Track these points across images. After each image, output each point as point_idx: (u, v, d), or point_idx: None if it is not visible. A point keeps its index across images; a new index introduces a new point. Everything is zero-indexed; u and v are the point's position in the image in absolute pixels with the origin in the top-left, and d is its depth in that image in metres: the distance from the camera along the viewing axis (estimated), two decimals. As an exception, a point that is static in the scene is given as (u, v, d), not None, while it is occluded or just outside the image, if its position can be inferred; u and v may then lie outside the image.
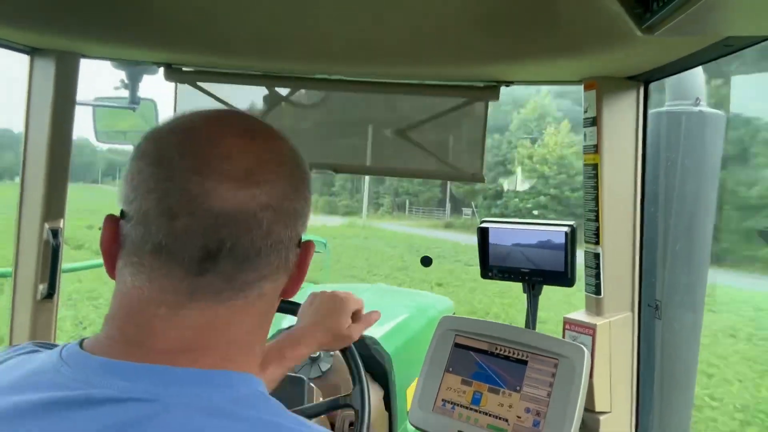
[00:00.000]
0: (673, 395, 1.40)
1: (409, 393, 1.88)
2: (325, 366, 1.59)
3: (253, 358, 0.59)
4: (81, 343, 0.57)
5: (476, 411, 1.21)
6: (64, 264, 1.39)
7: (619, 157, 1.25)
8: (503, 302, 8.80)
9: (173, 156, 0.53)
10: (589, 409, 1.24)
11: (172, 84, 1.42)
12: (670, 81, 1.31)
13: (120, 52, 1.33)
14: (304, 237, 0.61)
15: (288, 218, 0.57)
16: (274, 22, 1.03)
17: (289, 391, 1.41)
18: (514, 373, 1.20)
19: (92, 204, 20.86)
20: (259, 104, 1.42)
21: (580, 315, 1.30)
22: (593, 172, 1.26)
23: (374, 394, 1.69)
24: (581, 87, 1.27)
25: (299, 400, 1.41)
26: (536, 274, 1.30)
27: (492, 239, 1.33)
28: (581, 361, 1.13)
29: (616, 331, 1.27)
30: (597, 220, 1.27)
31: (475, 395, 1.22)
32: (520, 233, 1.30)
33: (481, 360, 1.25)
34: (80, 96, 1.36)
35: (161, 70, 1.40)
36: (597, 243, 1.27)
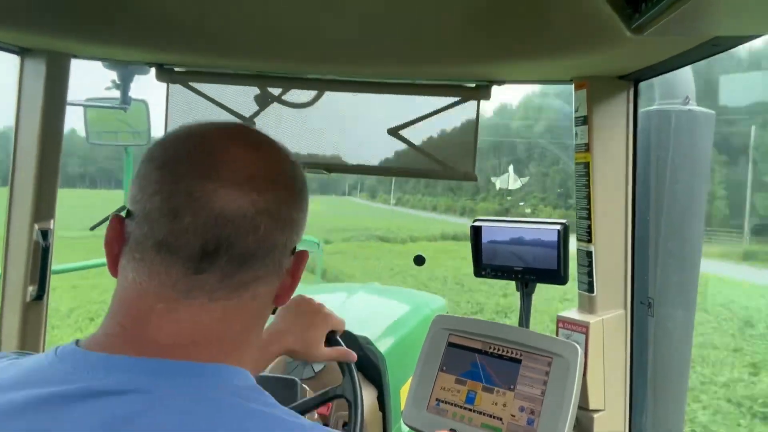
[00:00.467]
0: (666, 392, 1.41)
1: (403, 393, 1.88)
2: (318, 367, 1.59)
3: (246, 356, 0.61)
4: (76, 343, 0.58)
5: (470, 410, 1.21)
6: (54, 266, 1.38)
7: (610, 155, 1.26)
8: None
9: (181, 160, 0.57)
10: (583, 407, 1.25)
11: (164, 84, 1.41)
12: (659, 80, 1.32)
13: (111, 53, 1.32)
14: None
15: (284, 225, 0.60)
16: (266, 21, 1.03)
17: (282, 393, 1.41)
18: (508, 372, 1.20)
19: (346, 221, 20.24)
20: (251, 104, 1.42)
21: (573, 313, 1.31)
22: (585, 170, 1.27)
23: (368, 394, 1.69)
24: (572, 86, 1.27)
25: (291, 402, 1.40)
26: (529, 273, 1.31)
27: (485, 238, 1.34)
28: (575, 359, 1.14)
29: (609, 329, 1.28)
30: (589, 218, 1.27)
31: (469, 394, 1.22)
32: (513, 231, 1.31)
33: (475, 359, 1.25)
34: (71, 96, 1.35)
35: (153, 70, 1.39)
36: (589, 241, 1.28)
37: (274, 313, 1.14)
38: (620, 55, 1.05)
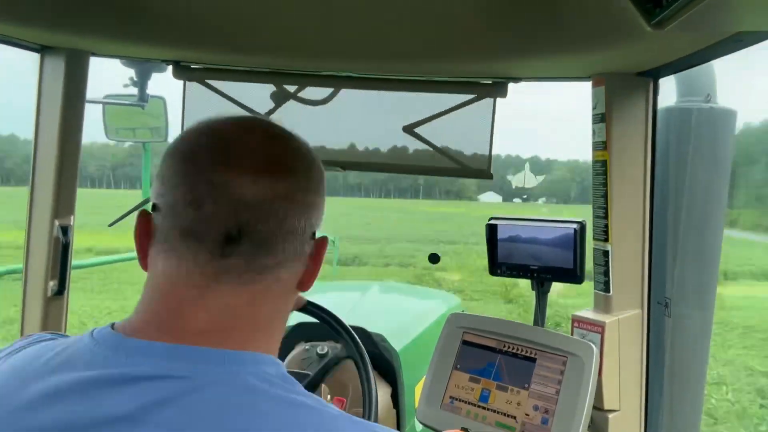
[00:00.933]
0: (682, 393, 1.39)
1: (417, 390, 1.88)
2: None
3: (274, 343, 0.64)
4: (112, 327, 0.60)
5: (484, 408, 1.21)
6: (74, 261, 1.40)
7: (628, 153, 1.24)
8: None
9: (200, 152, 0.60)
10: (598, 407, 1.24)
11: (181, 81, 1.43)
12: (680, 77, 1.30)
13: (129, 50, 1.33)
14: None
15: (302, 210, 0.62)
16: (282, 19, 1.03)
17: None
18: (522, 371, 1.19)
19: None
20: (267, 101, 1.42)
21: (588, 312, 1.30)
22: (602, 168, 1.25)
23: (382, 391, 1.69)
24: (590, 83, 1.26)
25: None
26: (545, 271, 1.30)
27: (500, 236, 1.33)
28: (590, 358, 1.13)
29: (625, 329, 1.26)
30: (606, 217, 1.26)
31: (483, 392, 1.22)
32: (529, 230, 1.30)
33: (490, 357, 1.25)
34: (90, 93, 1.37)
35: (170, 67, 1.40)
36: (606, 240, 1.26)
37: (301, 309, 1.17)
38: (640, 51, 1.04)
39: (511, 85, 1.34)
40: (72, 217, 1.35)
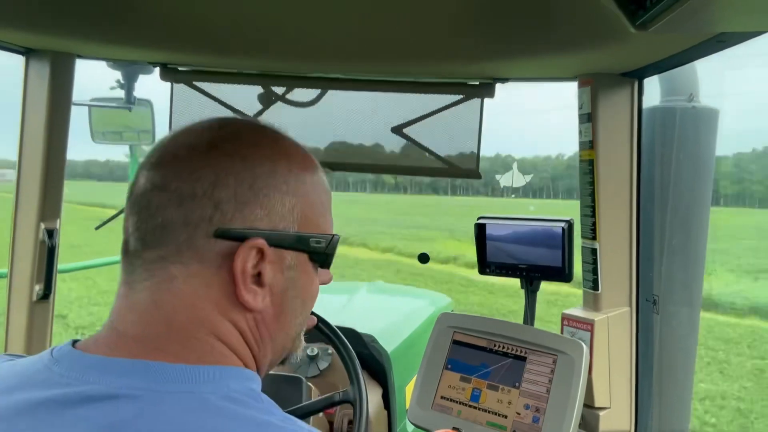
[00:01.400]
0: (671, 390, 1.40)
1: (408, 391, 1.89)
2: (323, 365, 1.60)
3: (244, 355, 0.59)
4: (73, 344, 0.57)
5: (475, 408, 1.21)
6: (60, 264, 1.39)
7: (614, 152, 1.26)
8: None
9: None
10: (589, 404, 1.25)
11: (168, 84, 1.42)
12: (663, 77, 1.31)
13: (115, 52, 1.33)
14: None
15: (178, 199, 0.56)
16: (270, 20, 1.03)
17: (287, 390, 1.41)
18: (513, 370, 1.20)
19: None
20: (255, 103, 1.42)
21: (578, 311, 1.31)
22: (589, 167, 1.27)
23: (373, 392, 1.69)
24: (576, 83, 1.27)
25: (297, 400, 1.41)
26: (534, 270, 1.30)
27: (489, 235, 1.34)
28: (580, 356, 1.14)
29: (615, 327, 1.27)
30: (593, 215, 1.27)
31: (474, 392, 1.22)
32: (518, 229, 1.30)
33: (480, 357, 1.25)
34: (76, 96, 1.35)
35: (157, 70, 1.39)
36: (594, 238, 1.28)
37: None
38: (624, 51, 1.05)
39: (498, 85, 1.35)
40: (58, 220, 1.34)
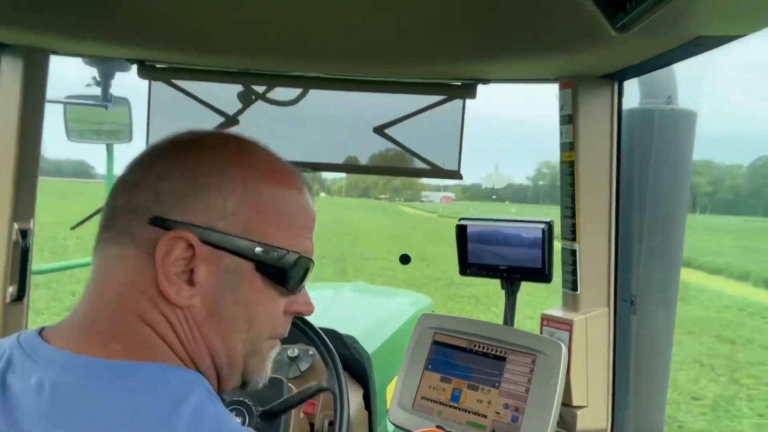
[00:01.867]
0: (647, 389, 1.42)
1: (389, 391, 1.88)
2: (304, 366, 1.59)
3: (156, 340, 0.58)
4: (40, 331, 0.59)
5: (456, 408, 1.21)
6: (35, 266, 1.36)
7: (594, 154, 1.27)
8: None
9: None
10: (567, 403, 1.26)
11: (146, 81, 1.39)
12: (642, 79, 1.33)
13: (91, 48, 1.30)
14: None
15: (131, 188, 0.61)
16: (250, 18, 1.02)
17: (268, 392, 1.40)
18: (492, 370, 1.20)
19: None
20: (235, 102, 1.40)
21: (557, 311, 1.32)
22: (569, 169, 1.28)
23: (354, 393, 1.68)
24: (557, 85, 1.28)
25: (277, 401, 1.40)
26: (514, 271, 1.31)
27: (470, 237, 1.34)
28: (558, 356, 1.14)
29: (593, 327, 1.29)
30: (573, 216, 1.28)
31: (455, 392, 1.23)
32: (498, 230, 1.31)
33: (460, 357, 1.25)
34: (50, 93, 1.32)
35: (134, 66, 1.37)
36: (574, 239, 1.29)
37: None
38: (604, 54, 1.06)
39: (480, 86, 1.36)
40: (32, 221, 1.30)
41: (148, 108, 1.41)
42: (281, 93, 1.41)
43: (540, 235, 1.25)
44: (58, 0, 0.97)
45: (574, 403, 1.27)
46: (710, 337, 8.23)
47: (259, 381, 0.68)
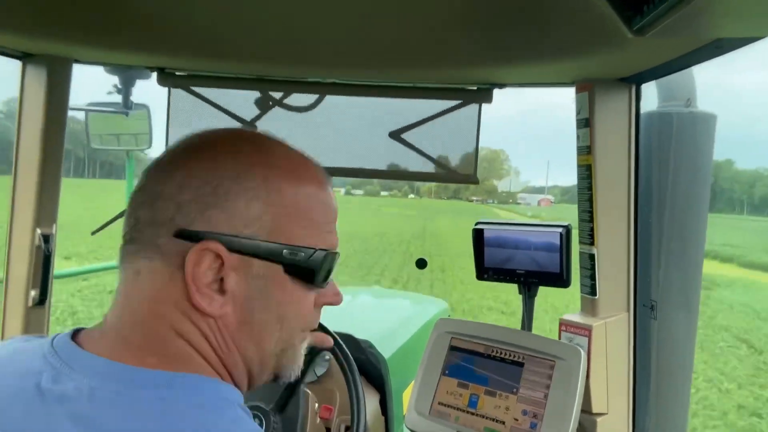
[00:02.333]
0: (669, 395, 1.40)
1: (405, 396, 1.88)
2: (320, 371, 1.59)
3: (190, 350, 0.59)
4: (73, 334, 0.60)
5: (473, 414, 1.20)
6: (56, 270, 1.38)
7: (612, 158, 1.26)
8: None
9: None
10: (586, 410, 1.24)
11: (166, 89, 1.42)
12: (661, 82, 1.32)
13: (112, 57, 1.32)
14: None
15: (152, 199, 0.59)
16: (268, 25, 1.03)
17: (284, 396, 1.40)
18: (510, 376, 1.20)
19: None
20: (253, 108, 1.42)
21: (575, 316, 1.30)
22: (587, 173, 1.27)
23: (370, 398, 1.68)
24: (573, 89, 1.27)
25: (294, 406, 1.40)
26: (532, 276, 1.30)
27: (487, 241, 1.33)
28: (578, 362, 1.13)
29: (612, 332, 1.27)
30: (591, 220, 1.27)
31: (472, 398, 1.22)
32: (516, 234, 1.30)
33: (478, 362, 1.25)
34: (72, 101, 1.35)
35: (154, 74, 1.39)
36: (592, 244, 1.27)
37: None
38: (622, 57, 1.05)
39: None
40: (54, 226, 1.33)
41: (168, 114, 1.43)
42: (298, 99, 1.43)
43: (558, 239, 1.24)
44: (81, 11, 0.99)
45: (594, 410, 1.25)
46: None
47: (292, 373, 0.68)
